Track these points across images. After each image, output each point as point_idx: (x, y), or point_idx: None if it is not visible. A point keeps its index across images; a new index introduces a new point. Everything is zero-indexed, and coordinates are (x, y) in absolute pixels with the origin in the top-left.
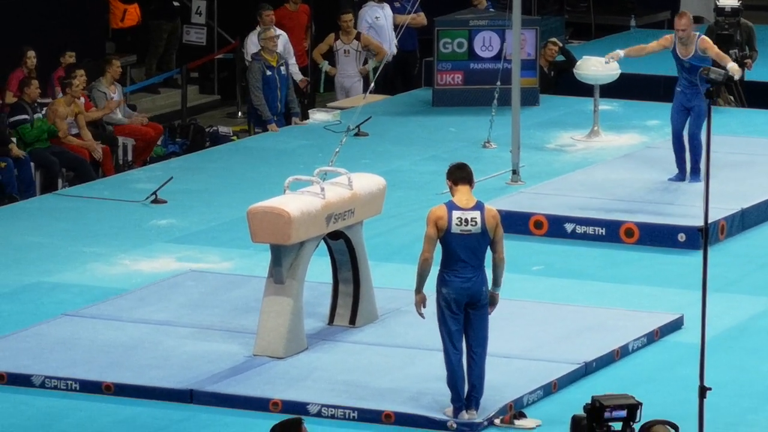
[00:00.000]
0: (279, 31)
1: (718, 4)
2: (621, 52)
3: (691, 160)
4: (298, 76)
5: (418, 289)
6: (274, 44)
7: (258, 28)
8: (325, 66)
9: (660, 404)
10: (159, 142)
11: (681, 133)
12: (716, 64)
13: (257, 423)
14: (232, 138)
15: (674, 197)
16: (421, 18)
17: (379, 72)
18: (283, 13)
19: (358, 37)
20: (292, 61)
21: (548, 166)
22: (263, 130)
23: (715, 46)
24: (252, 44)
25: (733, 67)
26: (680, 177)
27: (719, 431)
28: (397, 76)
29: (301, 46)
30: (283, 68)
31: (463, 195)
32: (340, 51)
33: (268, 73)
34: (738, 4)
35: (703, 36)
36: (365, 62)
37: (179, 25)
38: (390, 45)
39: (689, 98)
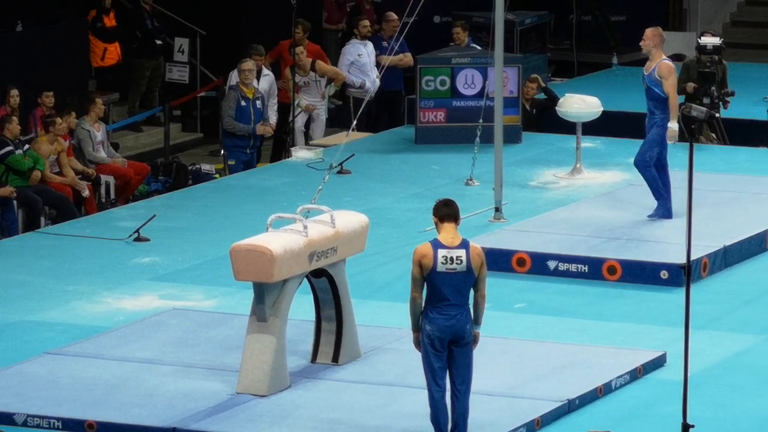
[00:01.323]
0: (266, 71)
1: (699, 42)
2: (675, 126)
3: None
4: (271, 119)
5: (414, 328)
6: (246, 76)
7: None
8: (303, 102)
9: None
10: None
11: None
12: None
13: None
14: (215, 176)
15: (657, 235)
16: (408, 59)
17: (361, 109)
18: (288, 44)
19: (313, 67)
20: (273, 101)
21: (531, 203)
22: (237, 162)
23: (674, 83)
24: (234, 78)
25: (672, 129)
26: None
27: None
28: (383, 115)
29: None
30: (258, 102)
31: (449, 233)
32: (300, 83)
33: (243, 103)
34: (720, 42)
35: (668, 63)
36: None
37: (162, 63)
38: (373, 82)
39: (647, 125)
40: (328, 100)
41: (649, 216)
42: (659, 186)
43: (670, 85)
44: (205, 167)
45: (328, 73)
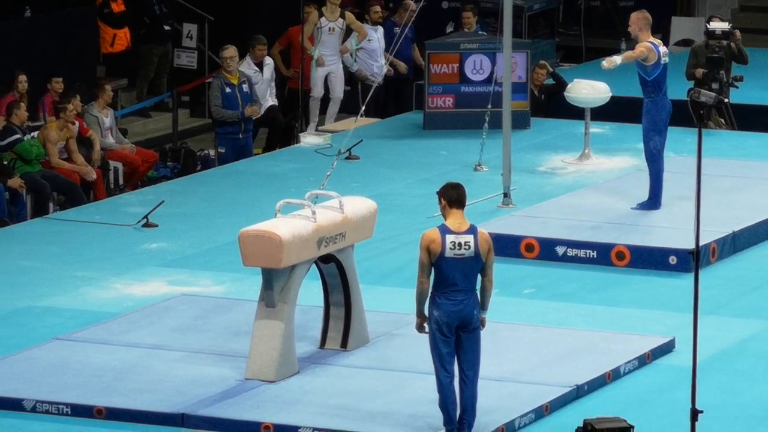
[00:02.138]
0: (269, 60)
1: (708, 27)
2: (618, 59)
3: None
4: (268, 103)
5: (418, 313)
6: (228, 63)
7: (247, 58)
8: (316, 53)
9: (652, 427)
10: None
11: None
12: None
13: None
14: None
15: (665, 220)
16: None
17: (370, 95)
18: (296, 31)
19: (342, 14)
20: (272, 85)
21: (539, 189)
22: (226, 150)
23: (637, 50)
24: (246, 62)
25: (611, 59)
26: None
27: None
28: (391, 101)
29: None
30: (245, 86)
31: (456, 218)
32: (324, 28)
33: (228, 90)
34: (728, 26)
35: (647, 43)
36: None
37: (170, 49)
38: (381, 68)
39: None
40: (352, 53)
41: (632, 208)
42: (657, 183)
43: (636, 49)
44: (213, 153)
45: (354, 25)
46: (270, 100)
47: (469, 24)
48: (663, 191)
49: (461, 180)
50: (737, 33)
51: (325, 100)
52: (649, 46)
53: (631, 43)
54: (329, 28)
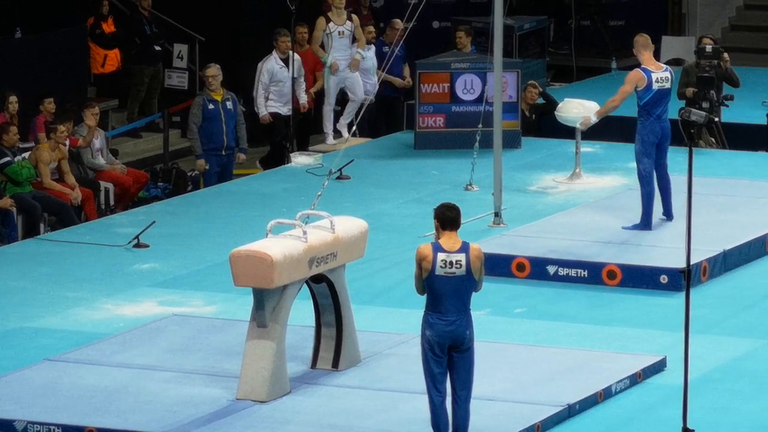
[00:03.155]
0: (296, 57)
1: (698, 45)
2: (593, 117)
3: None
4: (302, 99)
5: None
6: (210, 82)
7: (273, 53)
8: (330, 58)
9: None
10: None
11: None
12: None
13: None
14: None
15: (656, 239)
16: (408, 82)
17: (361, 115)
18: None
19: (350, 17)
20: (301, 80)
21: (530, 208)
22: (211, 166)
23: (627, 90)
24: (266, 71)
25: (586, 118)
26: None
27: None
28: (381, 120)
29: (311, 77)
30: (228, 103)
31: (450, 238)
32: (334, 33)
33: (211, 107)
34: (709, 42)
35: (636, 70)
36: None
37: (161, 70)
38: (374, 86)
39: None
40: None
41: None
42: (648, 205)
43: (622, 88)
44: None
45: (357, 30)
46: (303, 96)
47: (462, 44)
48: (654, 210)
49: (452, 200)
50: (725, 55)
51: (337, 113)
52: (634, 74)
53: (622, 62)
54: (339, 32)
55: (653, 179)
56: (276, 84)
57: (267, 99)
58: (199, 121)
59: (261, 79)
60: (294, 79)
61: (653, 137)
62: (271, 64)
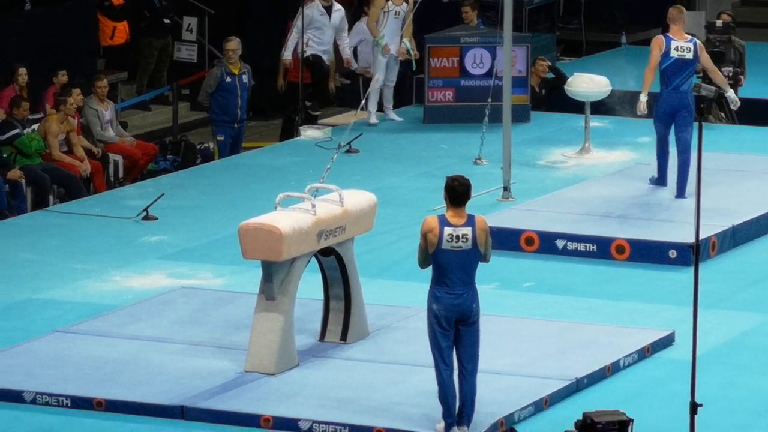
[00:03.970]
0: (337, 6)
1: (709, 20)
2: (642, 97)
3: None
4: (345, 54)
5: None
6: (230, 56)
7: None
8: (383, 41)
9: (651, 421)
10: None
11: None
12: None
13: None
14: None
15: (665, 214)
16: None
17: (370, 88)
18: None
19: None
20: (344, 35)
21: (539, 182)
22: (225, 137)
23: (652, 51)
24: (305, 14)
25: (639, 101)
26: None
27: None
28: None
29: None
30: (244, 76)
31: (457, 212)
32: (390, 13)
33: (228, 79)
34: (729, 19)
35: (657, 36)
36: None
37: (170, 42)
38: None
39: None
40: (409, 50)
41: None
42: (661, 165)
43: (650, 56)
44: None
45: (410, 15)
46: (347, 50)
47: (469, 18)
48: (668, 183)
49: (461, 173)
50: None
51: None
52: (655, 40)
53: (632, 36)
54: (395, 12)
55: (666, 143)
56: (315, 29)
57: (306, 44)
58: (212, 90)
59: (296, 22)
60: (337, 31)
61: (668, 107)
62: (313, 10)
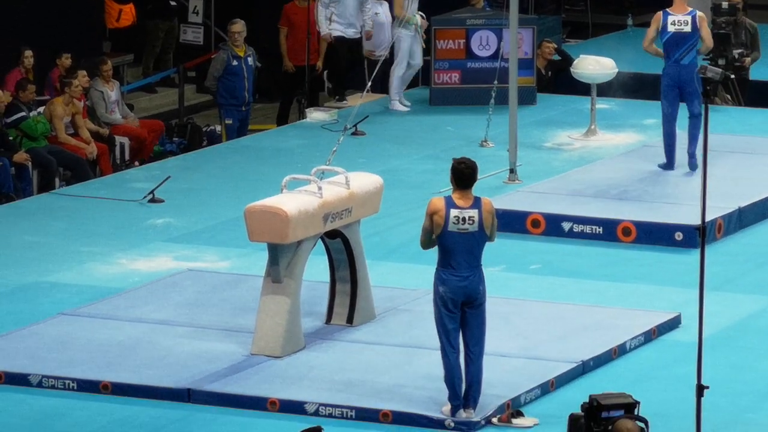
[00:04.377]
0: None
1: (714, 2)
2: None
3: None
4: (367, 25)
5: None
6: (236, 39)
7: None
8: (418, 19)
9: (657, 403)
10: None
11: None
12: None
13: (255, 422)
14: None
15: (671, 196)
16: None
17: (376, 71)
18: (291, 9)
19: None
20: (368, 6)
21: (545, 164)
22: (234, 121)
23: (649, 31)
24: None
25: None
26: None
27: (717, 430)
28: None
29: (304, 43)
30: (250, 59)
31: (463, 194)
32: None
33: (234, 63)
34: (736, 1)
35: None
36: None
37: (176, 25)
38: (387, 43)
39: None
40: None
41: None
42: (667, 145)
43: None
44: (219, 128)
45: None
46: (368, 22)
47: (475, 0)
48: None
49: (467, 156)
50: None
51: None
52: (655, 16)
53: (638, 18)
54: None
55: (672, 120)
56: (336, 3)
57: (330, 20)
58: (219, 74)
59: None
60: (361, 3)
61: (670, 80)
62: None
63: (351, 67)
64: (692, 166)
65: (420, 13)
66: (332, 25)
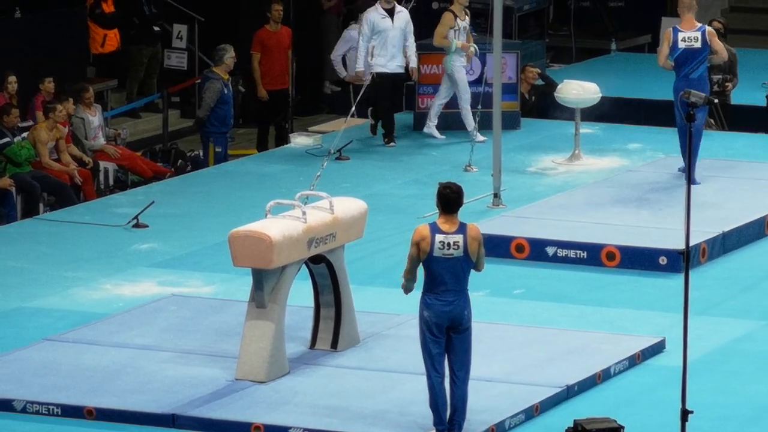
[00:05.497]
0: (399, 8)
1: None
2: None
3: None
4: (413, 62)
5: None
6: (229, 66)
7: (377, 4)
8: (458, 43)
9: (642, 428)
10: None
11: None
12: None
13: None
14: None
15: (655, 221)
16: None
17: (360, 95)
18: (263, 34)
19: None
20: (412, 39)
21: (529, 189)
22: (222, 148)
23: (661, 47)
24: (366, 21)
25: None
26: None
27: None
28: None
29: (282, 67)
30: (230, 83)
31: (448, 219)
32: (460, 30)
33: (225, 91)
34: (720, 27)
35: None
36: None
37: (160, 50)
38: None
39: None
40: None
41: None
42: (685, 158)
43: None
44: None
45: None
46: (413, 58)
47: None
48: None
49: (452, 180)
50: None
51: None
52: (665, 34)
53: (622, 43)
54: (463, 28)
55: (686, 133)
56: (377, 35)
57: (371, 54)
58: (214, 104)
59: (363, 31)
60: (404, 35)
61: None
62: (374, 14)
63: (394, 106)
64: (692, 182)
65: (474, 45)
66: (374, 59)
